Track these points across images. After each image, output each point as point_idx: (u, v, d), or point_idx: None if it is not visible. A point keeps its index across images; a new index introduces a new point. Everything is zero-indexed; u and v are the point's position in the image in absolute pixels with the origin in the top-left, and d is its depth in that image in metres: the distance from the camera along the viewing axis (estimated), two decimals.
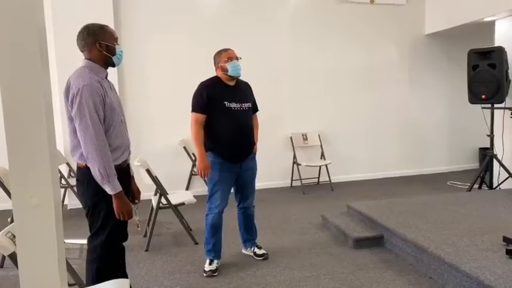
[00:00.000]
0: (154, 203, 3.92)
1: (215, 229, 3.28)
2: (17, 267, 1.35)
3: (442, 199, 4.52)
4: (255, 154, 3.43)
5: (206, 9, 5.88)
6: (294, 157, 6.10)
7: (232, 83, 3.27)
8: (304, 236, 4.08)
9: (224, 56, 3.21)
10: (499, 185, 5.18)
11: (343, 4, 6.33)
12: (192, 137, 3.24)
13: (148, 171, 3.77)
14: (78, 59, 2.32)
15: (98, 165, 2.14)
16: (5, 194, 3.32)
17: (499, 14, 5.27)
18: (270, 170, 5.83)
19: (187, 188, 5.74)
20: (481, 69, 5.03)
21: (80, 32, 2.28)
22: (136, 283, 3.09)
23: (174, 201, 3.90)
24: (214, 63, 3.28)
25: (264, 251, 3.54)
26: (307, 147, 6.28)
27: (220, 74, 3.26)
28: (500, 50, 4.91)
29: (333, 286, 2.98)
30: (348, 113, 6.50)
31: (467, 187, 5.28)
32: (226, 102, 3.16)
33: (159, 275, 3.27)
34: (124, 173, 2.39)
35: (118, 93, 2.73)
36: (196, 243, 3.88)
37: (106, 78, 2.35)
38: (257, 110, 3.51)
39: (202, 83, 3.26)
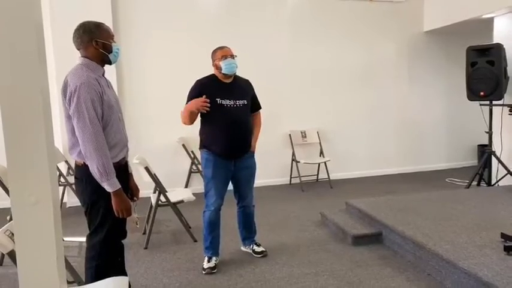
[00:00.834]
0: (153, 201, 3.93)
1: (212, 226, 3.28)
2: (16, 265, 1.35)
3: (441, 196, 4.53)
4: (252, 153, 3.41)
5: (205, 7, 5.87)
6: (293, 154, 6.11)
7: (228, 81, 3.26)
8: (303, 233, 4.08)
9: (219, 54, 3.22)
10: (497, 181, 5.19)
11: (342, 2, 6.31)
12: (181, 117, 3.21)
13: (147, 169, 3.77)
14: (76, 56, 2.32)
15: (97, 163, 2.13)
16: (3, 191, 3.32)
17: (498, 11, 5.27)
18: (269, 167, 5.83)
19: (186, 186, 5.74)
20: (480, 66, 5.03)
21: (75, 30, 2.27)
22: (135, 281, 3.10)
23: (173, 199, 3.90)
24: (212, 61, 3.29)
25: (263, 249, 3.55)
26: (306, 145, 6.28)
27: (216, 72, 3.27)
28: (499, 47, 4.91)
29: (332, 283, 2.99)
30: (346, 111, 6.50)
31: (465, 184, 5.29)
32: (218, 99, 3.16)
33: (158, 273, 3.28)
34: (122, 171, 2.39)
35: (116, 91, 2.73)
36: (195, 241, 3.88)
37: (103, 75, 2.35)
38: (259, 108, 3.50)
39: (197, 80, 3.29)
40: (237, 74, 3.32)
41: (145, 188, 3.56)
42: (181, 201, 3.94)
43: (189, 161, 5.74)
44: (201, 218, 3.35)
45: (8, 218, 3.34)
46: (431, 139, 6.97)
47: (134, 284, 3.01)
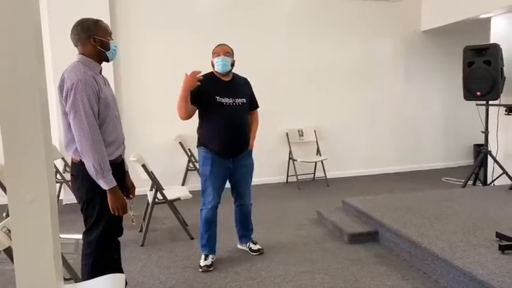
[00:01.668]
0: (150, 198, 3.92)
1: (209, 224, 3.29)
2: (13, 262, 1.35)
3: (437, 195, 4.55)
4: (250, 151, 3.41)
5: (203, 5, 5.86)
6: (290, 153, 6.12)
7: (227, 79, 3.26)
8: (299, 231, 4.09)
9: (214, 51, 3.24)
10: (493, 181, 5.21)
11: (340, 1, 6.32)
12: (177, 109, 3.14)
13: (144, 166, 3.77)
14: (74, 54, 2.31)
15: (93, 160, 2.13)
16: (0, 189, 3.31)
17: (495, 11, 5.29)
18: (266, 165, 5.84)
19: (183, 184, 5.74)
20: (477, 66, 5.04)
21: (73, 27, 2.27)
22: (131, 278, 3.10)
23: (169, 197, 3.91)
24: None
25: (260, 247, 3.56)
26: (303, 143, 6.29)
27: (213, 69, 3.27)
28: (496, 47, 4.92)
29: (328, 281, 3.00)
30: (344, 109, 6.51)
31: (461, 183, 5.31)
32: (217, 97, 3.16)
33: (155, 270, 3.28)
34: (118, 168, 2.39)
35: (114, 88, 2.73)
36: (192, 238, 3.89)
37: (100, 73, 2.34)
38: (257, 107, 3.50)
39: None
40: (234, 72, 3.32)
41: (142, 186, 3.56)
42: (178, 199, 3.94)
43: (186, 159, 5.74)
44: (198, 216, 3.35)
45: (5, 214, 3.33)
46: (428, 138, 7.00)
47: (131, 281, 3.01)
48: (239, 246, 3.65)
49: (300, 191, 5.76)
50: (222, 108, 3.17)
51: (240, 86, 3.32)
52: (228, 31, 5.49)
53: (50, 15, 5.05)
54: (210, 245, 3.33)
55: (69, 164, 2.41)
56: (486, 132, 5.21)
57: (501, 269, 2.60)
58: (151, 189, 4.02)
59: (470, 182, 5.23)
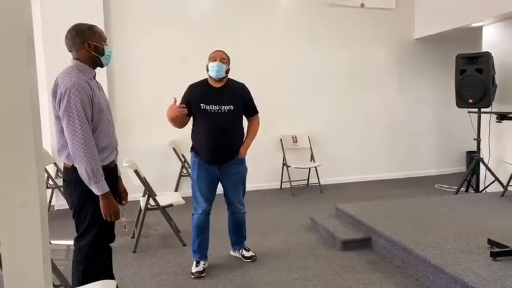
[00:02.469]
0: (142, 204, 3.90)
1: (200, 230, 3.27)
2: (1, 268, 1.33)
3: (429, 202, 4.57)
4: (241, 159, 3.35)
5: (197, 11, 5.88)
6: (284, 159, 6.12)
7: (218, 85, 3.25)
8: (292, 237, 4.09)
9: (211, 56, 3.24)
10: (485, 188, 5.25)
11: (334, 8, 6.37)
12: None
13: (136, 172, 3.75)
14: (67, 58, 2.31)
15: (85, 165, 2.12)
16: None
17: (486, 20, 5.36)
18: (260, 171, 5.84)
19: (176, 190, 5.71)
20: (469, 74, 5.10)
21: (68, 32, 2.27)
22: (123, 284, 3.07)
23: (162, 203, 3.89)
24: None
25: (252, 253, 3.54)
26: (296, 149, 6.30)
27: (207, 74, 3.27)
28: (487, 55, 4.98)
29: None
30: (337, 116, 6.53)
31: (454, 190, 5.34)
32: (202, 104, 3.16)
33: (147, 277, 3.26)
34: (111, 174, 2.38)
35: (107, 93, 2.72)
36: (184, 245, 3.87)
37: (94, 78, 2.34)
38: (256, 113, 3.47)
39: (190, 84, 3.32)
40: (230, 77, 3.33)
41: (135, 192, 3.54)
42: (171, 205, 3.92)
43: (179, 165, 5.72)
44: (191, 222, 3.34)
45: None
46: (421, 145, 7.04)
47: None
48: (232, 253, 3.63)
49: (293, 197, 5.76)
50: (207, 115, 3.17)
51: (230, 93, 3.26)
52: (221, 38, 5.50)
53: (44, 19, 5.04)
54: (201, 251, 3.31)
55: (62, 170, 2.39)
56: (478, 140, 5.25)
57: (492, 276, 2.61)
58: (143, 195, 3.99)
59: (462, 189, 5.27)
